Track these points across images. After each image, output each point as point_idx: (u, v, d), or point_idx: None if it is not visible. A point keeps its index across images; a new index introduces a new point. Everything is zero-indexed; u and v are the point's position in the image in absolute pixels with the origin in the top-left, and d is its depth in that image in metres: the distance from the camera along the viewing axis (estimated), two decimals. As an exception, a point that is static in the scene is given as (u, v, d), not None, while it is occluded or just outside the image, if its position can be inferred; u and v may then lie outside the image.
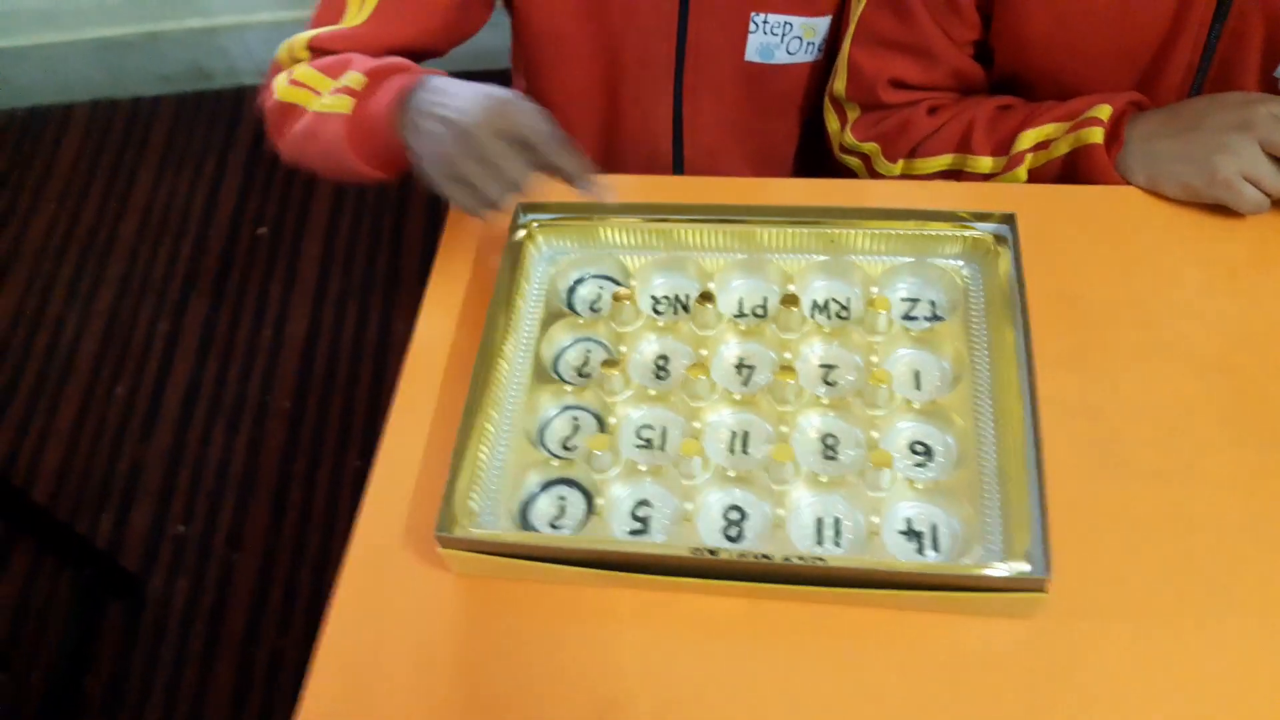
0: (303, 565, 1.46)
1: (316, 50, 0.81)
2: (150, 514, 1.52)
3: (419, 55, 0.83)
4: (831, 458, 0.67)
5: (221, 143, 1.99)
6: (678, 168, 0.96)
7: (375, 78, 0.74)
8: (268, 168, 1.93)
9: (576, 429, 0.70)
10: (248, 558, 1.47)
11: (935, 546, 0.63)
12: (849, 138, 0.90)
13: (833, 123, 0.92)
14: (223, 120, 2.02)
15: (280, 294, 1.76)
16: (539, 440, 0.69)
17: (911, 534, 0.63)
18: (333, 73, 0.77)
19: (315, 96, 0.77)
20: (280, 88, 0.80)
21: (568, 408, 0.71)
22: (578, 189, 0.68)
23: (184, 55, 2.01)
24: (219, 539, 1.49)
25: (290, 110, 0.79)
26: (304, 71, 0.79)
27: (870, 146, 0.88)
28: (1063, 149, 0.79)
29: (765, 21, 0.86)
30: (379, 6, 0.82)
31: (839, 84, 0.88)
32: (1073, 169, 0.79)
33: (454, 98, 0.68)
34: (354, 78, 0.74)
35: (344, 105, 0.74)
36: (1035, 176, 0.81)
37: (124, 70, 2.02)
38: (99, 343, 1.72)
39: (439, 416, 0.71)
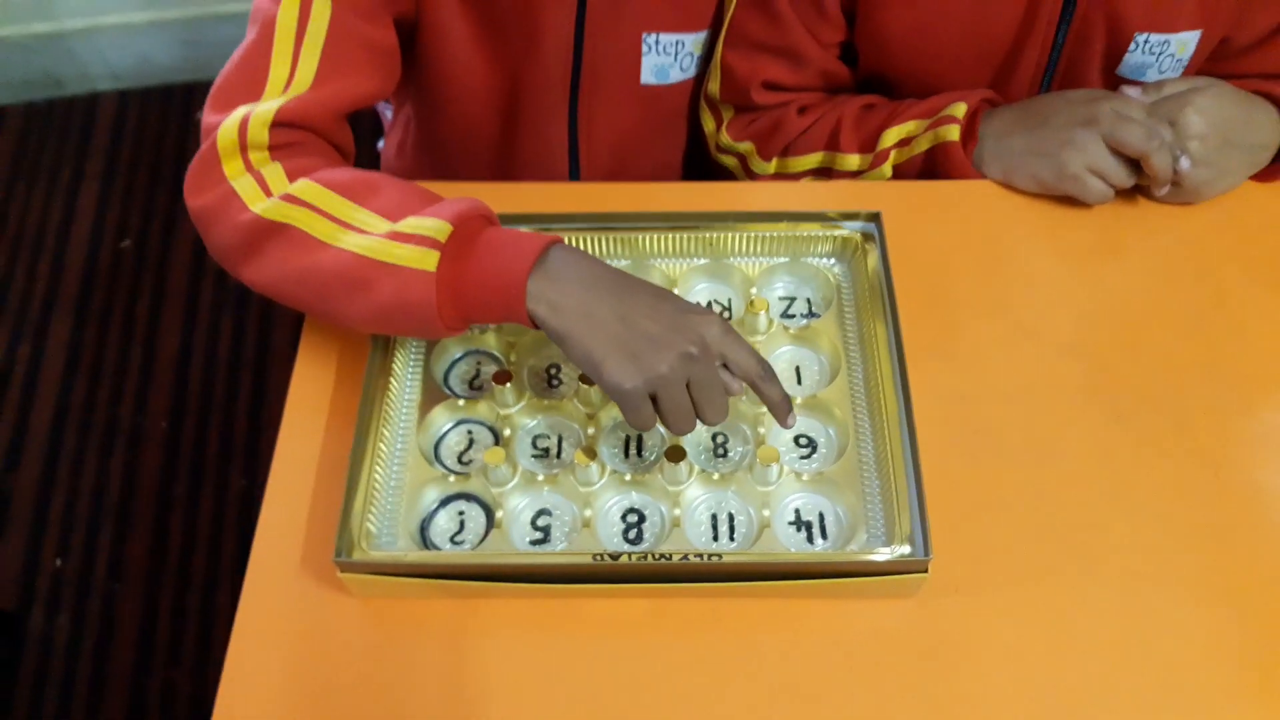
0: (189, 591, 1.41)
1: (282, 126, 0.69)
2: (23, 548, 1.45)
3: (369, 105, 0.78)
4: (722, 455, 0.69)
5: (76, 152, 1.89)
6: None
7: (462, 229, 0.63)
8: (127, 176, 1.85)
9: (471, 443, 0.70)
10: (131, 588, 1.42)
11: (823, 534, 0.66)
12: (725, 138, 0.92)
13: (709, 123, 0.94)
14: (76, 128, 1.92)
15: (149, 310, 1.69)
16: (434, 456, 0.70)
17: (800, 524, 0.66)
18: (356, 195, 0.66)
19: (337, 228, 0.64)
20: (262, 204, 0.66)
21: (461, 421, 0.71)
22: (779, 420, 0.65)
23: (31, 61, 1.89)
24: (99, 570, 1.43)
25: (283, 234, 0.65)
26: (307, 188, 0.66)
27: (745, 146, 0.91)
28: (923, 146, 0.83)
29: (657, 41, 0.86)
30: (323, 66, 0.72)
31: (713, 86, 0.90)
32: (933, 164, 0.83)
33: (643, 306, 0.61)
34: (431, 225, 0.62)
35: (424, 260, 0.61)
36: (899, 172, 0.86)
37: (-37, 79, 1.91)
38: (-47, 371, 1.63)
39: (329, 436, 0.71)
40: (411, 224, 0.63)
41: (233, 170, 0.68)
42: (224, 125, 0.68)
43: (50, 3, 1.83)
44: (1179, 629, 0.63)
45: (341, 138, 0.76)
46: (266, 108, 0.69)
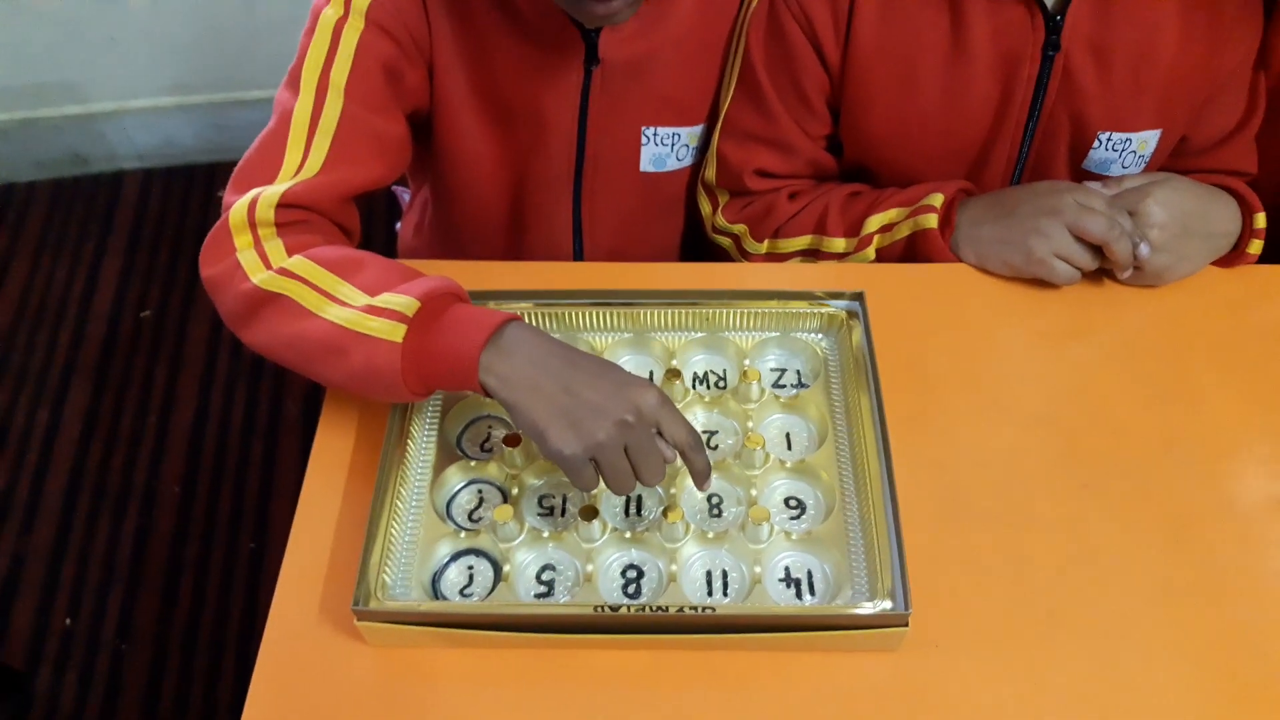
0: (196, 653, 1.44)
1: (287, 207, 0.76)
2: (34, 608, 1.48)
3: (375, 189, 0.84)
4: (717, 515, 0.74)
5: (100, 227, 1.97)
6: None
7: (429, 305, 0.68)
8: (149, 251, 1.93)
9: (482, 501, 0.75)
10: (139, 649, 1.45)
11: (811, 591, 0.70)
12: (720, 220, 0.99)
13: (705, 206, 1.01)
14: (101, 204, 2.01)
15: (166, 378, 1.75)
16: (446, 513, 0.74)
17: (790, 581, 0.71)
18: (342, 271, 0.72)
19: (324, 300, 0.70)
20: (260, 275, 0.72)
21: (472, 481, 0.76)
22: (696, 485, 0.70)
23: (60, 141, 1.99)
24: (108, 631, 1.46)
25: (276, 303, 0.71)
26: (300, 264, 0.72)
27: (739, 228, 0.98)
28: (904, 232, 0.89)
29: (655, 134, 0.94)
30: (332, 153, 0.79)
31: (710, 172, 0.97)
32: (914, 249, 0.90)
33: (587, 378, 0.66)
34: (401, 301, 0.68)
35: (393, 333, 0.67)
36: (882, 256, 0.92)
37: (-4, 157, 2.00)
38: (-27, 434, 1.68)
39: (348, 494, 0.75)
40: (385, 299, 0.69)
41: (241, 244, 0.74)
42: (236, 204, 0.75)
43: (82, 86, 1.93)
44: (1140, 681, 0.66)
45: (346, 218, 0.82)
46: (274, 190, 0.76)
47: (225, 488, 1.61)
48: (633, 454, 0.66)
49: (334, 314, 0.69)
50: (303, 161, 0.78)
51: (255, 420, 1.69)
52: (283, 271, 0.72)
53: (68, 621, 1.47)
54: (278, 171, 0.78)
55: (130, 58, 1.90)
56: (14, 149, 1.99)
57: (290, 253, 0.74)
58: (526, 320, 0.82)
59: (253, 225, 0.75)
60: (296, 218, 0.77)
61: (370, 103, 0.82)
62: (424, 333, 0.68)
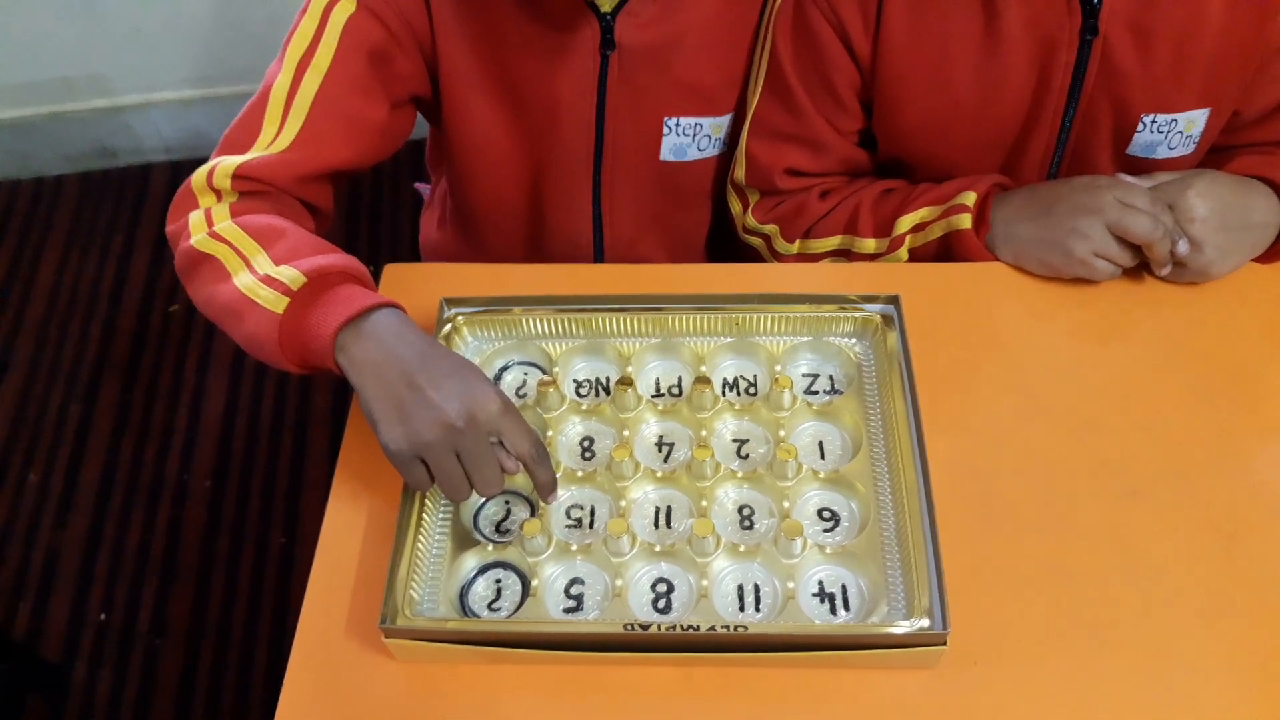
0: (229, 647, 1.45)
1: (242, 178, 0.78)
2: (69, 602, 1.50)
3: (344, 174, 0.85)
4: (748, 528, 0.72)
5: (129, 220, 1.97)
6: (598, 256, 1.02)
7: (315, 281, 0.70)
8: (177, 243, 1.93)
9: (509, 513, 0.74)
10: (172, 642, 1.46)
11: (846, 606, 0.68)
12: (750, 220, 0.96)
13: (735, 206, 0.98)
14: (129, 197, 2.01)
15: (196, 371, 1.75)
16: (474, 525, 0.73)
17: (824, 596, 0.69)
18: (264, 239, 0.74)
19: (242, 265, 0.73)
20: (199, 235, 0.75)
21: (500, 492, 0.75)
22: (540, 497, 0.70)
23: (87, 135, 1.99)
24: (142, 625, 1.47)
25: (208, 263, 0.74)
26: (229, 228, 0.75)
27: (770, 228, 0.95)
28: (937, 233, 0.87)
29: (677, 124, 0.92)
30: (303, 132, 0.80)
31: (739, 172, 0.95)
32: (948, 248, 0.87)
33: (435, 376, 0.66)
34: (290, 274, 0.70)
35: (277, 304, 0.69)
36: (916, 254, 0.89)
37: (25, 151, 2.00)
38: (9, 428, 1.69)
39: (374, 505, 0.74)
40: (281, 270, 0.71)
41: (196, 205, 0.78)
42: (200, 168, 0.79)
43: (108, 80, 1.93)
44: (1191, 700, 0.64)
45: (313, 196, 0.83)
46: (233, 160, 0.78)
47: (255, 481, 1.62)
48: (464, 460, 0.66)
49: (241, 280, 0.72)
50: (276, 135, 0.80)
51: (284, 414, 1.69)
52: (215, 235, 0.75)
53: (102, 616, 1.48)
54: (254, 141, 0.80)
55: (155, 50, 1.89)
56: (42, 143, 2.00)
57: (232, 218, 0.76)
58: (538, 325, 0.81)
59: (210, 190, 0.78)
60: (252, 188, 0.79)
61: (351, 86, 0.82)
62: (304, 307, 0.69)
